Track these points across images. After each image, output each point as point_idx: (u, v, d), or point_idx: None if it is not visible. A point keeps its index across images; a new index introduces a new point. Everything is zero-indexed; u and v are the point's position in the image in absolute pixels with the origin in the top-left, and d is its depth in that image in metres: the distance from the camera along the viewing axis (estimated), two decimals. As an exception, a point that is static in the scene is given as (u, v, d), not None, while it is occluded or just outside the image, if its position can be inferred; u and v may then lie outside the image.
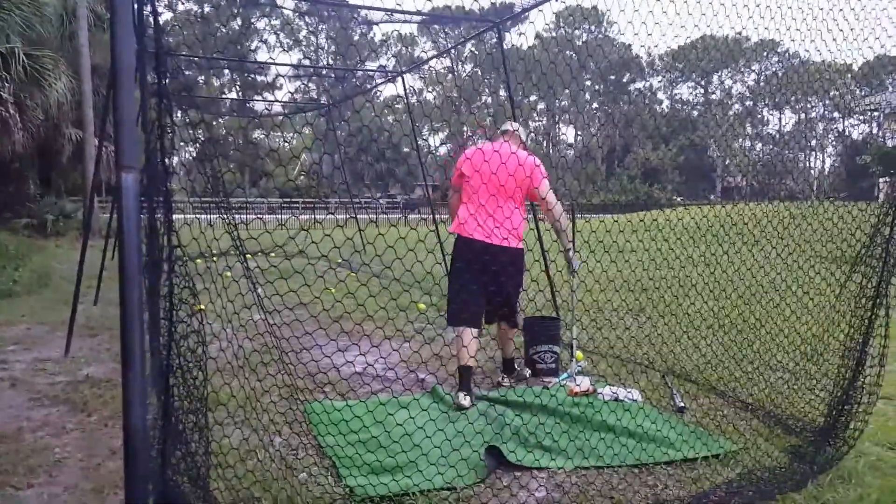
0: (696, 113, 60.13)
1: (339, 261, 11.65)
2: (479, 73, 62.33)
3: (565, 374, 4.58)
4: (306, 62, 53.16)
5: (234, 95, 46.49)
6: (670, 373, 4.66)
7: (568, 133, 72.42)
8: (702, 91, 62.52)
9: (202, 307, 7.68)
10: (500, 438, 3.33)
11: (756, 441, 3.39)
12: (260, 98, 45.42)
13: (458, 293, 4.12)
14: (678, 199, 48.37)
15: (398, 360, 4.94)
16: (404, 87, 8.96)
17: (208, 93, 43.48)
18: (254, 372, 4.62)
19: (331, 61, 54.84)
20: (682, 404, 3.96)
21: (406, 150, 49.00)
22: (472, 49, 64.05)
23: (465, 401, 3.90)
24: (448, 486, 2.80)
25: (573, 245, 4.49)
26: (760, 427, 3.61)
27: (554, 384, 4.42)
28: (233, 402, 3.85)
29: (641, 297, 7.28)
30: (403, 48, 61.09)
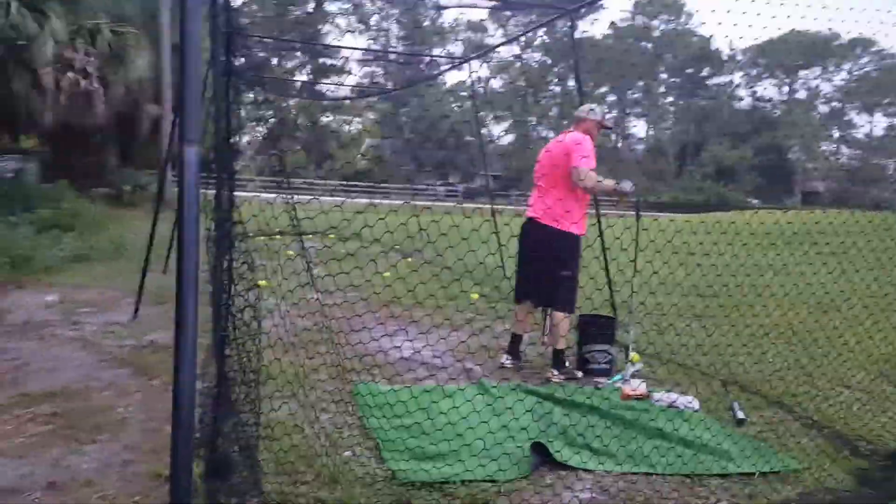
0: (778, 112, 57.54)
1: (395, 246, 11.71)
2: (549, 61, 61.42)
3: (618, 376, 4.46)
4: (375, 47, 53.51)
5: (304, 78, 47.28)
6: (732, 382, 4.47)
7: (639, 126, 70.64)
8: (786, 89, 59.83)
9: (260, 283, 7.81)
10: (546, 436, 3.27)
11: (820, 461, 3.21)
12: (329, 82, 46.05)
13: (517, 271, 4.62)
14: (753, 201, 46.50)
15: (446, 349, 4.93)
16: (469, 73, 8.90)
17: (280, 75, 44.41)
18: (304, 349, 4.72)
19: (399, 46, 55.16)
20: (741, 416, 3.80)
21: (469, 138, 48.86)
22: (544, 37, 63.24)
23: (505, 361, 4.61)
24: (490, 479, 2.77)
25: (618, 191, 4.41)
26: (826, 446, 3.42)
27: (606, 385, 4.31)
28: (282, 378, 3.93)
29: (709, 301, 7.03)
30: (472, 34, 60.69)
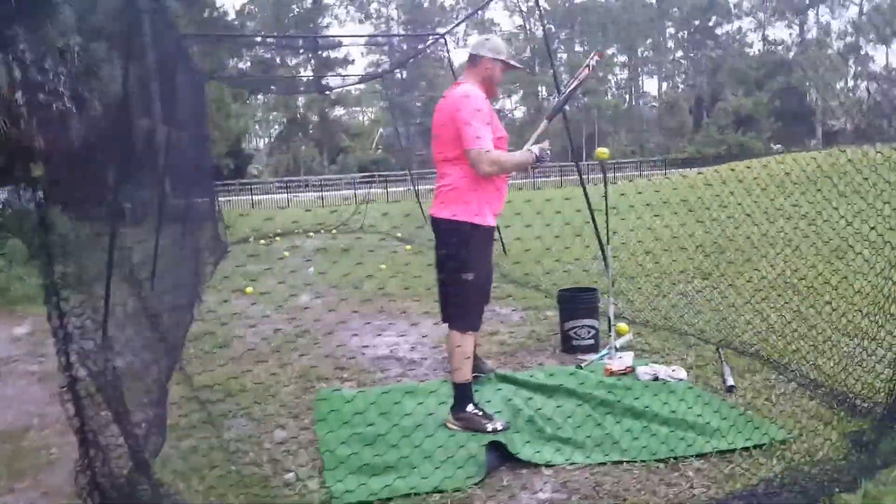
0: (791, 53, 55.70)
1: (398, 235, 11.54)
2: (553, 28, 60.18)
3: (605, 351, 4.19)
4: (378, 35, 53.08)
5: (309, 73, 47.14)
6: (727, 345, 4.17)
7: (651, 85, 69.13)
8: (797, 31, 57.87)
9: (247, 290, 7.62)
10: (508, 431, 3.03)
11: (811, 427, 2.92)
12: (334, 74, 45.86)
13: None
14: (775, 147, 45.17)
15: (429, 342, 4.70)
16: (447, 49, 8.58)
17: (286, 72, 44.31)
18: (279, 355, 4.53)
19: (402, 31, 54.57)
20: (731, 382, 3.51)
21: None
22: (544, 5, 61.96)
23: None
24: (438, 490, 2.54)
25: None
26: (820, 409, 3.12)
27: (589, 363, 4.04)
28: (244, 394, 3.75)
29: (718, 258, 6.69)
30: (477, 12, 59.65)
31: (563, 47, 63.37)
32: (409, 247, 10.12)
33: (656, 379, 3.68)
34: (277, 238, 12.27)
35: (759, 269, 5.68)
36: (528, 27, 61.88)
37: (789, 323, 4.19)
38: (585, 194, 5.85)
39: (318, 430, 3.16)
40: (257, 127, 54.66)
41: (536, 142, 3.28)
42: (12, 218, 10.74)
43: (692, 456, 2.75)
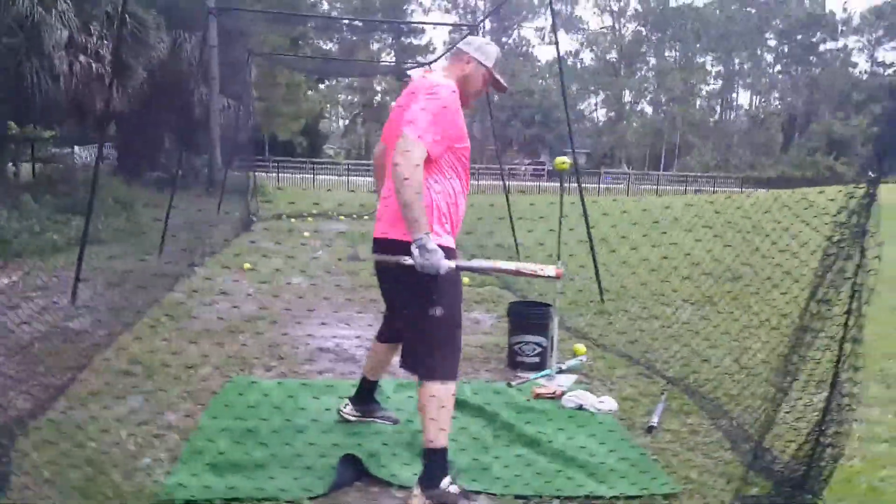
0: (900, 77, 52.03)
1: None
2: (644, 32, 58.46)
3: (546, 371, 3.97)
4: (464, 25, 52.99)
5: (391, 59, 47.63)
6: (679, 380, 3.86)
7: (743, 98, 66.11)
8: (911, 51, 53.94)
9: (245, 266, 7.67)
10: (367, 450, 2.80)
11: (709, 483, 2.65)
12: (414, 62, 46.09)
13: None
14: (871, 175, 42.24)
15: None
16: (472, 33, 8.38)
17: (367, 56, 44.90)
18: (232, 336, 4.52)
19: (489, 23, 54.22)
20: (653, 422, 3.24)
21: (559, 114, 47.21)
22: (637, 6, 60.08)
23: (344, 408, 3.11)
24: (270, 497, 2.43)
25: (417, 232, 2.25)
26: (734, 465, 2.83)
27: (522, 381, 3.83)
28: (164, 370, 3.74)
29: (725, 286, 6.27)
30: (563, 7, 58.69)
31: (652, 51, 61.50)
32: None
33: (580, 408, 3.45)
34: (309, 218, 12.42)
35: (747, 305, 5.27)
36: (616, 28, 60.39)
37: (743, 367, 3.85)
38: (584, 209, 5.58)
39: (201, 419, 3.10)
40: (340, 109, 55.73)
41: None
42: (59, 173, 11.33)
43: (562, 497, 2.53)
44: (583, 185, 6.65)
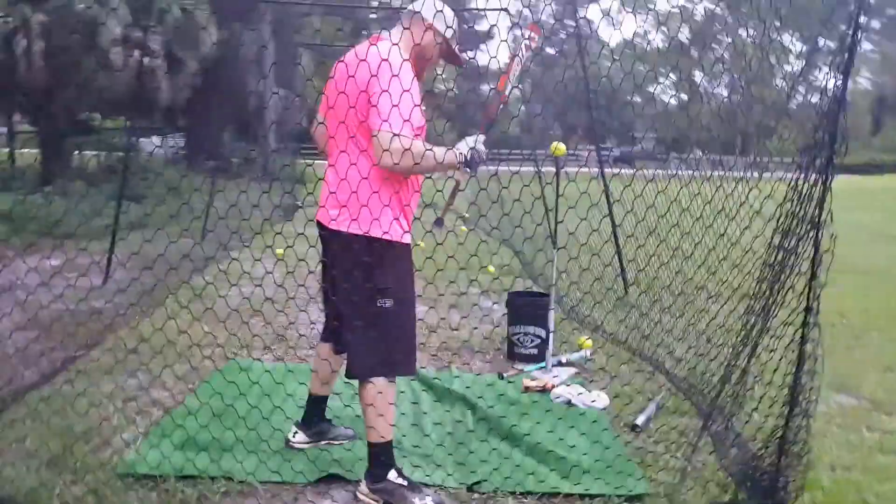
0: None
1: (465, 215, 11.38)
2: (718, 9, 56.05)
3: (541, 364, 3.89)
4: (526, 11, 52.19)
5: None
6: (681, 380, 3.70)
7: (826, 79, 62.40)
8: None
9: (278, 251, 7.83)
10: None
11: (686, 487, 2.54)
12: (475, 50, 45.81)
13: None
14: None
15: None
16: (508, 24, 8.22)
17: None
18: (243, 319, 4.63)
19: (552, 9, 53.22)
20: (639, 421, 3.12)
21: (628, 98, 45.87)
22: (712, -14, 57.61)
23: (292, 437, 2.83)
24: (222, 476, 2.49)
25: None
26: (714, 471, 2.70)
27: (515, 373, 3.77)
28: (168, 348, 3.86)
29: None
30: (634, -11, 56.73)
31: (727, 30, 58.91)
32: (464, 228, 9.97)
33: (569, 403, 3.36)
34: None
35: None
36: (690, 7, 58.23)
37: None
38: (607, 194, 5.40)
39: (187, 398, 3.20)
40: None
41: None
42: (121, 161, 11.88)
43: (529, 493, 2.49)
44: (648, 172, 6.37)
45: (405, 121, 2.18)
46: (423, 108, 2.40)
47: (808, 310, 1.95)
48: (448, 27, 2.44)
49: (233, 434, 2.80)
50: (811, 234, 1.91)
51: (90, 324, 4.26)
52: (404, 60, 2.25)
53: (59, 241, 7.05)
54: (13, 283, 5.25)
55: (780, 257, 2.04)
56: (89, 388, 3.24)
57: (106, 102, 10.02)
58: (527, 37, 2.66)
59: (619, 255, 5.75)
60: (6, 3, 8.29)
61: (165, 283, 5.39)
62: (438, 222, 2.67)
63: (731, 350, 2.67)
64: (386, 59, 2.21)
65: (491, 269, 6.90)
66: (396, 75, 2.18)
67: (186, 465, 2.53)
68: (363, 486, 2.42)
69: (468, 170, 2.40)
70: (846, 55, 1.85)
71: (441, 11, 2.42)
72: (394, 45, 2.28)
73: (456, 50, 2.52)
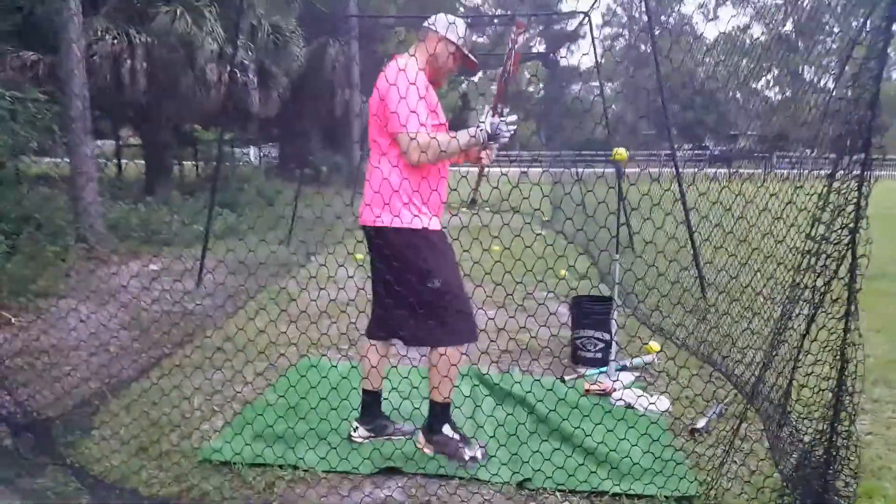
0: None
1: (544, 219, 11.35)
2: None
3: (603, 368, 3.90)
4: (619, 10, 51.11)
5: (542, 48, 47.15)
6: (744, 387, 3.62)
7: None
8: None
9: (357, 256, 8.15)
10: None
11: (737, 491, 2.53)
12: (564, 50, 45.39)
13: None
14: None
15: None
16: (591, 25, 8.23)
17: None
18: (329, 320, 4.89)
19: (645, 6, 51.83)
20: (700, 425, 3.10)
21: (722, 96, 44.07)
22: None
23: (354, 433, 3.00)
24: (289, 465, 2.70)
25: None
26: (772, 479, 2.66)
27: (576, 377, 3.81)
28: (250, 346, 4.15)
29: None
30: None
31: (835, 20, 55.36)
32: (540, 232, 9.96)
33: (630, 407, 3.38)
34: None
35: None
36: (791, -2, 55.11)
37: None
38: (682, 193, 5.31)
39: (266, 393, 3.45)
40: (481, 98, 55.89)
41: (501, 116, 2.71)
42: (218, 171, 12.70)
43: (574, 492, 2.56)
44: (749, 171, 6.14)
45: (422, 123, 2.55)
46: (439, 107, 2.76)
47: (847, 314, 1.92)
48: (460, 37, 2.78)
49: (303, 426, 3.00)
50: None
51: (184, 324, 4.64)
52: (414, 67, 2.61)
53: (157, 249, 7.66)
54: (118, 288, 5.79)
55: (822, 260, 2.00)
56: (178, 384, 3.55)
57: (204, 116, 10.74)
58: (514, 32, 2.90)
59: (695, 259, 5.63)
60: (115, 27, 9.06)
61: (251, 288, 5.76)
62: (472, 203, 2.90)
63: (787, 354, 2.62)
64: (401, 69, 2.58)
65: (563, 272, 6.91)
66: (414, 83, 2.55)
67: (261, 454, 2.75)
68: (420, 437, 2.84)
69: (492, 143, 2.72)
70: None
71: (453, 24, 2.78)
72: (410, 56, 2.71)
73: (467, 53, 2.83)
